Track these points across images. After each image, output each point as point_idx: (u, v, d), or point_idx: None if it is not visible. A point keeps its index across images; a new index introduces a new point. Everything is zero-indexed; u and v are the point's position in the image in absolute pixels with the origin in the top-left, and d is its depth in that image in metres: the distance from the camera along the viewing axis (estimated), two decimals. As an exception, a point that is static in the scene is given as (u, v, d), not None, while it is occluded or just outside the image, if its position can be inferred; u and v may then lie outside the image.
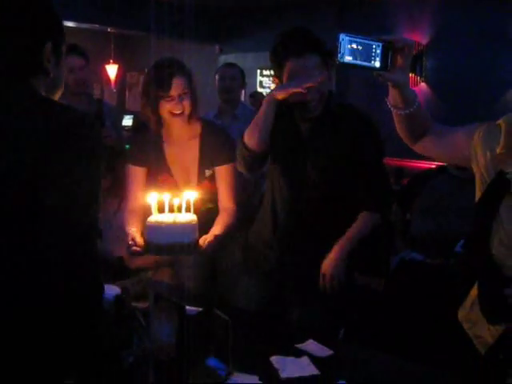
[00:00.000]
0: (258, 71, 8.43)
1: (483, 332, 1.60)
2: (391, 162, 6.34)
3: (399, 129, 1.74)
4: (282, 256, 2.25)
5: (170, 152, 2.42)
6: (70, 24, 7.65)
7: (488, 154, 1.56)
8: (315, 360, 1.78)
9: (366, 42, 1.52)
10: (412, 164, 6.04)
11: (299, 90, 1.98)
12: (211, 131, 2.43)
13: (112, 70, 9.29)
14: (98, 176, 1.25)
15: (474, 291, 1.64)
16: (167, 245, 2.01)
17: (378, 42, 1.54)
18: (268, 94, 2.11)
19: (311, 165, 2.17)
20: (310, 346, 1.88)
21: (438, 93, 6.45)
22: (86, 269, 1.21)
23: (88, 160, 1.20)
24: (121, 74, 9.72)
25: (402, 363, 1.83)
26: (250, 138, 2.11)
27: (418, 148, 1.76)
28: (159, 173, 2.42)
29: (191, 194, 2.10)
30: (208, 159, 2.39)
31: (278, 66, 2.11)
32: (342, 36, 1.47)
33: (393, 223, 3.85)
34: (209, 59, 7.84)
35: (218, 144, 2.39)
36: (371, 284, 3.64)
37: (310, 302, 2.22)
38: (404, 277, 3.42)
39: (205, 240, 2.15)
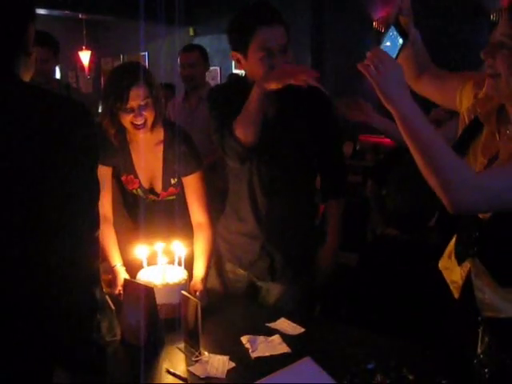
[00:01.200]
0: (234, 52, 8.35)
1: (457, 277, 1.65)
2: (369, 138, 6.36)
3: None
4: (267, 241, 2.22)
5: (136, 156, 2.32)
6: (40, 11, 7.53)
7: (472, 99, 1.62)
8: (286, 338, 1.79)
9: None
10: (387, 140, 6.05)
11: (293, 81, 1.90)
12: (173, 138, 2.29)
13: (85, 56, 9.15)
14: (95, 171, 1.24)
15: (453, 241, 1.70)
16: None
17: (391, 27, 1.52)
18: (257, 85, 1.96)
19: (281, 144, 2.15)
20: (282, 324, 1.90)
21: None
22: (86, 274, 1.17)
23: (86, 155, 1.19)
24: (95, 60, 9.59)
25: (375, 337, 1.85)
26: (245, 132, 2.02)
27: (416, 87, 1.78)
28: (125, 174, 2.33)
29: (181, 249, 2.07)
30: (172, 168, 2.30)
31: (243, 37, 2.01)
32: (392, 29, 1.46)
33: (368, 198, 3.87)
34: (182, 42, 7.77)
35: (182, 153, 2.26)
36: (347, 260, 3.65)
37: (287, 281, 2.23)
38: (379, 252, 3.45)
39: (195, 291, 2.08)
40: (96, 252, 1.19)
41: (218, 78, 8.96)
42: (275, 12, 2.04)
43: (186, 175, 2.26)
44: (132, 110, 2.11)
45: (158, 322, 1.78)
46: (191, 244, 2.23)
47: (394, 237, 3.49)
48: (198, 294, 2.05)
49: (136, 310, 1.78)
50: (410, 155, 3.46)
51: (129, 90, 2.07)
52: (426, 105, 1.80)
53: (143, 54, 9.64)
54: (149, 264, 2.07)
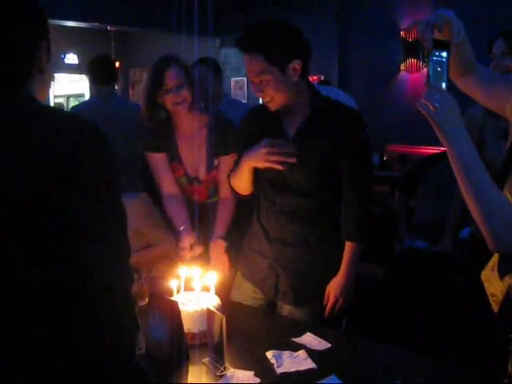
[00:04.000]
0: (260, 63, 8.36)
1: (497, 290, 1.61)
2: (395, 148, 6.31)
3: None
4: (275, 261, 2.21)
5: (181, 142, 2.55)
6: (69, 23, 7.66)
7: None
8: (312, 353, 1.76)
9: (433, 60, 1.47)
10: (415, 150, 6.00)
11: (278, 166, 2.03)
12: (218, 122, 2.53)
13: (114, 67, 9.26)
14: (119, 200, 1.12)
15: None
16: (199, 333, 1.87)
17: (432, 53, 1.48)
18: (244, 161, 2.12)
19: (297, 172, 2.11)
20: (308, 339, 1.86)
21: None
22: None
23: (107, 181, 1.09)
24: (123, 72, 9.70)
25: (402, 353, 1.81)
26: (236, 186, 2.24)
27: (460, 84, 1.74)
28: (171, 160, 2.56)
29: (213, 277, 2.01)
30: (215, 150, 2.51)
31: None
32: (432, 53, 1.43)
33: (396, 210, 3.82)
34: (210, 53, 7.82)
35: (223, 135, 2.48)
36: (374, 272, 3.60)
37: (291, 303, 2.21)
38: (407, 265, 3.39)
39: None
40: (131, 276, 1.16)
41: (245, 88, 9.01)
42: (256, 38, 2.00)
43: (226, 154, 2.47)
44: (170, 90, 2.38)
45: (182, 336, 1.77)
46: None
47: (422, 249, 3.44)
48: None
49: (161, 324, 1.77)
50: (439, 166, 3.40)
51: (164, 72, 2.39)
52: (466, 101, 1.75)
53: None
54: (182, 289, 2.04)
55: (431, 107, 1.34)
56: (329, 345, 1.83)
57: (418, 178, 3.73)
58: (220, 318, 1.68)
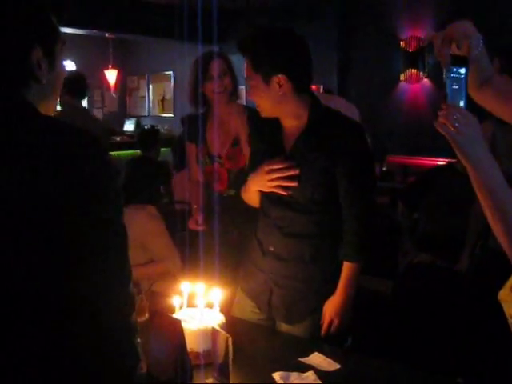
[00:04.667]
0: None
1: None
2: (396, 159, 6.25)
3: None
4: (269, 275, 2.13)
5: (211, 128, 2.78)
6: (67, 30, 7.60)
7: None
8: (321, 374, 1.69)
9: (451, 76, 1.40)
10: (417, 161, 5.95)
11: (282, 191, 2.04)
12: (249, 114, 2.70)
13: (111, 75, 9.22)
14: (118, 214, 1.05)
15: None
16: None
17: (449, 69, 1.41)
18: (250, 184, 2.15)
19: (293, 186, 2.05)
20: (316, 359, 1.79)
21: (442, 85, 6.35)
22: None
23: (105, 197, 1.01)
24: (121, 79, 9.65)
25: (413, 373, 1.75)
26: (247, 201, 2.24)
27: (477, 97, 1.67)
28: (199, 144, 2.79)
29: (217, 293, 1.93)
30: (240, 136, 2.72)
31: None
32: (450, 70, 1.36)
33: (399, 223, 3.76)
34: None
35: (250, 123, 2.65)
36: (378, 286, 3.54)
37: (298, 318, 2.12)
38: (412, 280, 3.32)
39: None
40: (131, 303, 1.08)
41: (244, 98, 8.94)
42: (245, 43, 2.04)
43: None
44: (214, 78, 2.64)
45: (185, 355, 1.69)
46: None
47: (428, 263, 3.37)
48: None
49: (163, 343, 1.69)
50: (443, 178, 3.33)
51: (210, 62, 2.65)
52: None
53: (169, 72, 9.68)
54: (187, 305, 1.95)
55: (451, 127, 1.26)
56: (338, 365, 1.75)
57: (421, 189, 3.66)
58: (225, 338, 1.61)
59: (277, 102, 2.00)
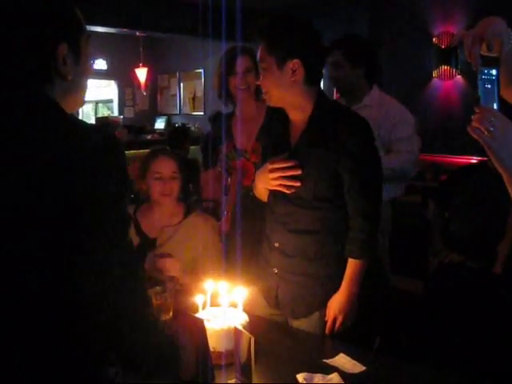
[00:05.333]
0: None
1: None
2: (427, 157, 6.14)
3: None
4: (275, 271, 2.14)
5: (236, 124, 2.81)
6: (99, 29, 7.68)
7: None
8: (346, 376, 1.65)
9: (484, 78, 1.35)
10: (449, 159, 5.83)
11: (282, 189, 2.06)
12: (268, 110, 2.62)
13: (141, 73, 9.29)
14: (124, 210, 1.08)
15: None
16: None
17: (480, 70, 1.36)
18: (254, 182, 2.21)
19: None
20: (341, 360, 1.76)
21: (474, 85, 6.22)
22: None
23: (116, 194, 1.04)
24: (151, 77, 9.70)
25: (441, 376, 1.71)
26: (259, 196, 2.23)
27: (506, 94, 1.60)
28: (225, 140, 2.80)
29: (241, 292, 1.91)
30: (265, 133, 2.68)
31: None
32: (481, 71, 1.31)
33: (430, 222, 3.68)
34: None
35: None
36: (409, 286, 3.48)
37: (303, 314, 2.12)
38: (443, 281, 3.25)
39: None
40: (144, 299, 1.07)
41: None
42: (262, 28, 2.06)
43: None
44: (238, 75, 2.67)
45: (208, 355, 1.67)
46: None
47: (459, 263, 3.29)
48: None
49: (185, 342, 1.67)
50: (475, 177, 3.25)
51: (235, 56, 2.68)
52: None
53: (199, 70, 9.70)
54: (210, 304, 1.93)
55: (486, 132, 1.20)
56: (363, 367, 1.71)
57: (452, 188, 3.58)
58: (248, 338, 1.58)
59: (285, 90, 2.01)
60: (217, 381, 1.67)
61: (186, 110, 10.28)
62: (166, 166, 2.46)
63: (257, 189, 2.21)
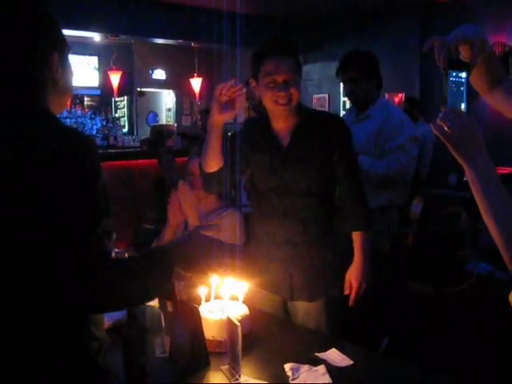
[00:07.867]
0: (342, 80, 8.30)
1: None
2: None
3: (472, 77, 1.62)
4: (286, 263, 2.28)
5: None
6: (158, 41, 7.99)
7: None
8: (332, 369, 1.72)
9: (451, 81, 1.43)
10: (500, 171, 5.72)
11: (231, 114, 2.10)
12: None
13: (196, 83, 9.53)
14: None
15: None
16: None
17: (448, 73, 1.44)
18: (209, 120, 2.19)
19: (290, 175, 2.26)
20: (331, 354, 1.83)
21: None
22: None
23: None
24: (206, 87, 9.94)
25: (430, 378, 1.73)
26: (202, 160, 2.25)
27: (488, 98, 1.67)
28: None
29: (241, 286, 2.02)
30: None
31: (256, 66, 2.22)
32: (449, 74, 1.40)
33: (462, 231, 3.68)
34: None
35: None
36: (439, 294, 3.48)
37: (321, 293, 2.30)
38: (472, 290, 3.25)
39: None
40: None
41: (327, 105, 8.96)
42: (284, 45, 2.19)
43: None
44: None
45: (202, 342, 1.78)
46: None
47: (487, 273, 3.28)
48: None
49: (183, 329, 1.79)
50: (507, 187, 3.23)
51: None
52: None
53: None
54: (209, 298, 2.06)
55: (446, 128, 1.28)
56: (351, 362, 1.78)
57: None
58: (235, 327, 1.69)
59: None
60: (212, 366, 1.78)
61: (242, 118, 10.43)
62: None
63: (209, 135, 2.20)
